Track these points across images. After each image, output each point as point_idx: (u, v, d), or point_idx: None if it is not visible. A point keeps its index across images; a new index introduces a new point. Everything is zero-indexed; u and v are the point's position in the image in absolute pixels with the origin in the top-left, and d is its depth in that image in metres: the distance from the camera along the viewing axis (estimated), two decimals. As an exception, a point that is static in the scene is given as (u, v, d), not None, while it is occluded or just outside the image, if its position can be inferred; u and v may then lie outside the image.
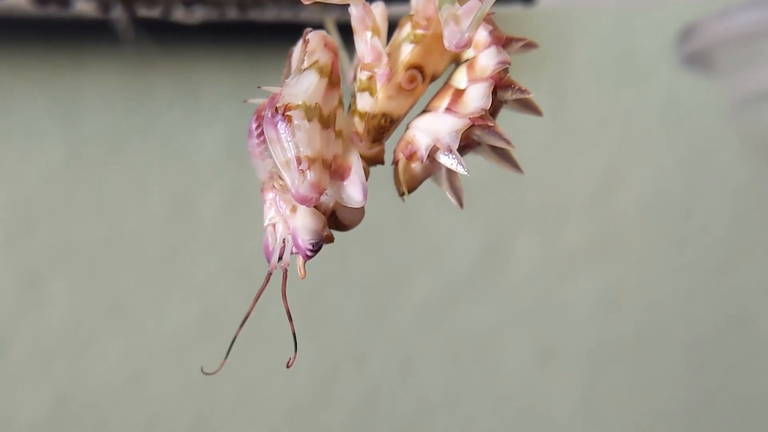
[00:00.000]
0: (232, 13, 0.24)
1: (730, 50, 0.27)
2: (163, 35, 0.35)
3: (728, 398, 0.55)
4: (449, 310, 0.51)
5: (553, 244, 0.52)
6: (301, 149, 0.18)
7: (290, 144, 0.18)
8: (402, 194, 0.20)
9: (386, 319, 0.51)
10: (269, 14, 0.25)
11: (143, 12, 0.23)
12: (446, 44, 0.18)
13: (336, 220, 0.19)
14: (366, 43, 0.19)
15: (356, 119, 0.20)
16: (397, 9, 0.22)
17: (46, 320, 0.47)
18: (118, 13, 0.23)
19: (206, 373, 0.18)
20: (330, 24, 0.23)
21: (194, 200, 0.48)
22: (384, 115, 0.20)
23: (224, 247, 0.49)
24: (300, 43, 0.19)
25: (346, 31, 0.22)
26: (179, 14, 0.24)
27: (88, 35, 0.47)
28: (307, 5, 0.24)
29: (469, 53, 0.19)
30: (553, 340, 0.53)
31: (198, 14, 0.24)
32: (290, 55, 0.20)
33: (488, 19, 0.19)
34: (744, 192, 0.54)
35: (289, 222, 0.19)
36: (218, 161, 0.48)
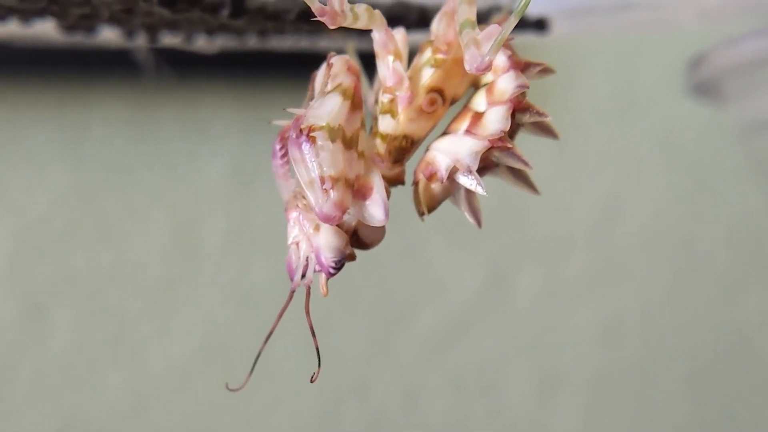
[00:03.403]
0: (252, 41, 0.24)
1: (737, 78, 0.27)
2: (177, 68, 0.36)
3: (729, 427, 0.55)
4: (453, 341, 0.51)
5: (555, 276, 0.53)
6: (325, 169, 0.18)
7: (314, 164, 0.18)
8: (422, 214, 0.20)
9: (390, 350, 0.51)
10: (288, 42, 0.25)
11: (166, 39, 0.24)
12: (467, 67, 0.19)
13: (358, 238, 0.20)
14: (388, 66, 0.20)
15: (378, 140, 0.20)
16: (416, 37, 0.22)
17: (50, 348, 0.47)
18: (141, 41, 0.24)
19: (231, 390, 0.19)
20: (350, 50, 0.23)
21: (198, 228, 0.49)
22: (405, 136, 0.20)
23: (228, 277, 0.49)
24: (323, 66, 0.20)
25: (365, 59, 0.23)
26: (200, 42, 0.24)
27: (98, 68, 0.47)
28: (328, 33, 0.25)
29: (488, 77, 0.20)
30: (556, 371, 0.53)
31: (219, 42, 0.24)
32: (313, 79, 0.21)
33: (507, 45, 0.20)
34: (744, 223, 0.54)
35: (312, 240, 0.19)
36: (222, 190, 0.49)
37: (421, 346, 0.51)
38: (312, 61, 0.22)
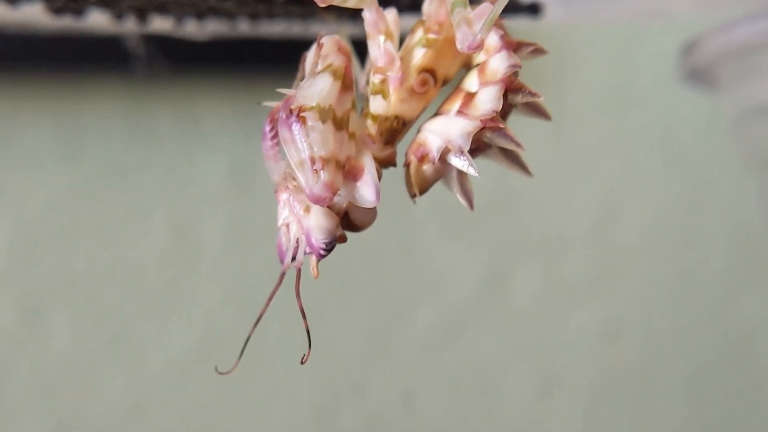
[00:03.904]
0: (243, 26, 0.24)
1: (732, 64, 0.27)
2: (169, 58, 0.36)
3: (729, 429, 0.54)
4: (451, 340, 0.51)
5: (554, 275, 0.53)
6: (315, 150, 0.18)
7: (304, 145, 0.18)
8: (413, 196, 0.20)
9: (388, 348, 0.50)
10: (279, 27, 0.25)
11: (156, 23, 0.24)
12: (459, 46, 0.18)
13: (349, 220, 0.20)
14: (379, 46, 0.20)
15: (369, 121, 0.20)
16: (407, 21, 0.22)
17: (47, 349, 0.47)
18: (130, 25, 0.23)
19: (221, 373, 0.19)
20: (343, 34, 0.23)
21: (196, 228, 0.48)
22: (396, 117, 0.20)
23: (226, 275, 0.49)
24: (314, 47, 0.20)
25: (357, 46, 0.23)
26: (191, 27, 0.24)
27: (91, 62, 0.47)
28: (320, 17, 0.24)
29: (480, 57, 0.20)
30: (554, 371, 0.52)
31: (210, 27, 0.24)
32: (304, 60, 0.20)
33: (499, 25, 0.19)
34: (744, 223, 0.54)
35: (302, 222, 0.19)
36: (220, 190, 0.49)
37: (418, 344, 0.51)
38: (307, 46, 0.22)
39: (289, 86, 0.21)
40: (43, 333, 0.47)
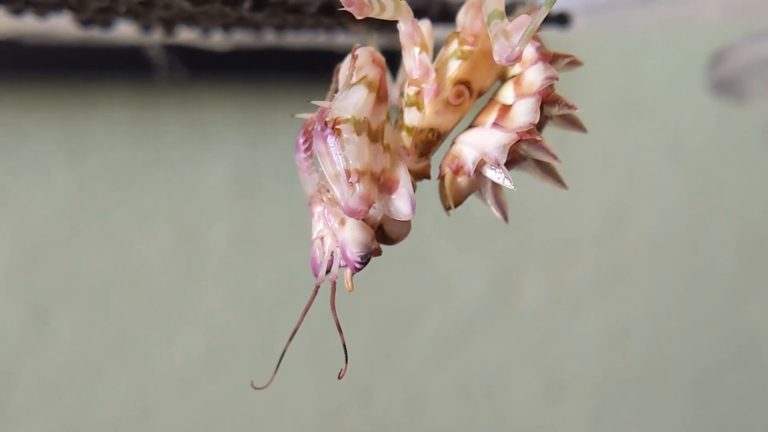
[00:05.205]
0: (269, 37, 0.24)
1: (760, 75, 0.27)
2: (188, 67, 0.36)
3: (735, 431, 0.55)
4: (458, 345, 0.51)
5: (561, 280, 0.53)
6: (351, 162, 0.18)
7: (340, 157, 0.18)
8: (448, 208, 0.20)
9: (394, 354, 0.50)
10: (304, 38, 0.25)
11: (183, 34, 0.23)
12: (496, 58, 0.18)
13: (383, 233, 0.19)
14: (414, 58, 0.19)
15: (403, 134, 0.20)
16: (437, 33, 0.22)
17: (52, 353, 0.46)
18: (156, 36, 0.23)
19: (256, 388, 0.18)
20: (373, 44, 0.23)
21: (201, 234, 0.48)
22: (431, 129, 0.20)
23: (231, 281, 0.49)
24: (348, 58, 0.20)
25: (385, 56, 0.22)
26: (216, 38, 0.24)
27: (105, 70, 0.47)
28: (346, 29, 0.24)
29: (515, 69, 0.20)
30: (561, 375, 0.52)
31: (235, 38, 0.24)
32: (337, 71, 0.20)
33: (535, 36, 0.19)
34: (749, 228, 0.54)
35: (337, 235, 0.19)
36: (225, 195, 0.49)
37: (426, 349, 0.51)
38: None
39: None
40: (48, 336, 0.46)
